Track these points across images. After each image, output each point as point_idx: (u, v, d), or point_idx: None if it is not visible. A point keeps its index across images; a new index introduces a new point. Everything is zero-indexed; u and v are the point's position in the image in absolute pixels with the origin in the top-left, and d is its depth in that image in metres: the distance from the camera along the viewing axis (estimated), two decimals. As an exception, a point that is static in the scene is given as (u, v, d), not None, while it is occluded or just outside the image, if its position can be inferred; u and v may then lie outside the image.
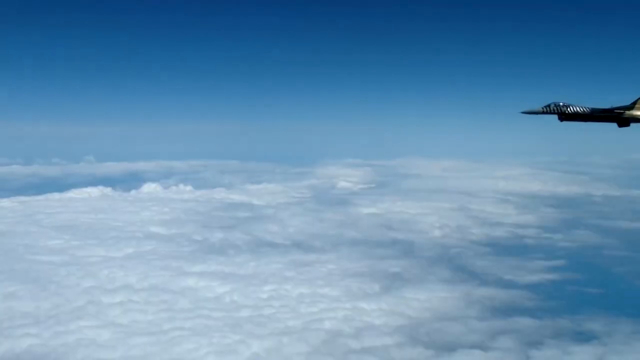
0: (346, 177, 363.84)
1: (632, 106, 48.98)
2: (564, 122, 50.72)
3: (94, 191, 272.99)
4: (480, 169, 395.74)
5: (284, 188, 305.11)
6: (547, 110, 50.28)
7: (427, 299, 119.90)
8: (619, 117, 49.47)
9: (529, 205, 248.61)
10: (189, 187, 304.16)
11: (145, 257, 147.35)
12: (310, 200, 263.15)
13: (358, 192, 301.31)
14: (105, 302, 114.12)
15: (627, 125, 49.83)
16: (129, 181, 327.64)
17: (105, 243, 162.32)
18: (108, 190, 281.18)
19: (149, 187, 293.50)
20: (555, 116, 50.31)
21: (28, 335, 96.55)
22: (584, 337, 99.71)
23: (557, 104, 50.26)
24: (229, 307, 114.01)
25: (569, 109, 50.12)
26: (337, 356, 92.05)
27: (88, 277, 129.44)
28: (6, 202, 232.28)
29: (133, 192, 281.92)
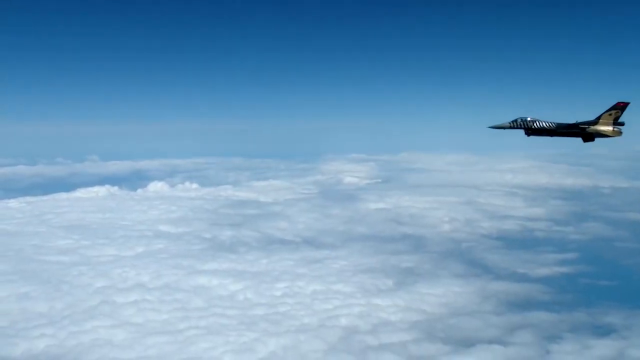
0: (351, 172, 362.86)
1: (596, 121, 49.46)
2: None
3: (100, 190, 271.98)
4: (485, 162, 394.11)
5: (290, 184, 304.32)
6: (514, 125, 51.26)
7: (442, 294, 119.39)
8: (583, 132, 49.89)
9: (537, 198, 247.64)
10: (194, 185, 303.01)
11: (156, 256, 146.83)
12: (317, 196, 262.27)
13: (364, 187, 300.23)
14: (118, 302, 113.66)
15: (592, 140, 50.68)
16: (135, 180, 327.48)
17: (115, 242, 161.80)
18: (114, 189, 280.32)
19: (155, 186, 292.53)
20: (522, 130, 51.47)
21: (44, 336, 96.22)
22: (603, 331, 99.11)
23: (523, 119, 51.13)
24: (243, 305, 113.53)
25: (535, 124, 50.89)
26: (355, 353, 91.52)
27: (100, 276, 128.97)
28: (13, 203, 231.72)
29: (139, 190, 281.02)
